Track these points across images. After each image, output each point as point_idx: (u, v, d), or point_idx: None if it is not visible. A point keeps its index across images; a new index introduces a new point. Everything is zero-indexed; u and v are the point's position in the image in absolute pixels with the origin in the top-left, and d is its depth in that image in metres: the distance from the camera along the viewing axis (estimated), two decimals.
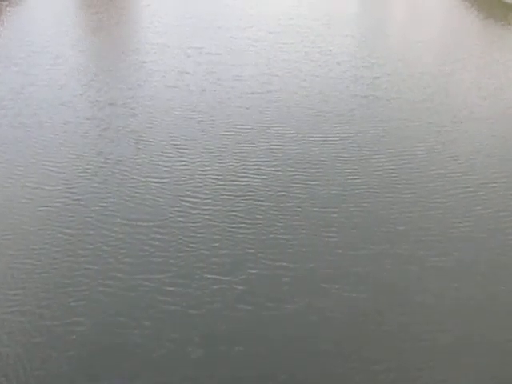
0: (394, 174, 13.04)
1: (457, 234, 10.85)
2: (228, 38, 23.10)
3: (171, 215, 11.37)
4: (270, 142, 14.65)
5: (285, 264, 9.90)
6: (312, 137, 15.00)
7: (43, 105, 16.77)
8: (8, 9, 30.01)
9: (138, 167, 13.25)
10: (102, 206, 11.65)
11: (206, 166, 13.37)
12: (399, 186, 12.57)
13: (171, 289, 9.22)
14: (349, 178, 12.85)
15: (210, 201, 11.92)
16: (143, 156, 13.80)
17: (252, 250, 10.29)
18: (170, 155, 13.87)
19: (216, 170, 13.17)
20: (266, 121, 15.76)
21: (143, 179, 12.73)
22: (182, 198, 12.01)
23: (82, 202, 11.81)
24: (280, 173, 13.05)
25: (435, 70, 19.87)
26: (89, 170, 13.05)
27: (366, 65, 20.08)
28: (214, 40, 22.78)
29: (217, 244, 10.49)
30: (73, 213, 11.42)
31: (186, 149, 14.20)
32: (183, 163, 13.53)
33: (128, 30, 25.64)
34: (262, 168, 13.25)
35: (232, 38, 23.25)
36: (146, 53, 21.50)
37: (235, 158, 13.87)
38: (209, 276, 9.52)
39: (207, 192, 12.26)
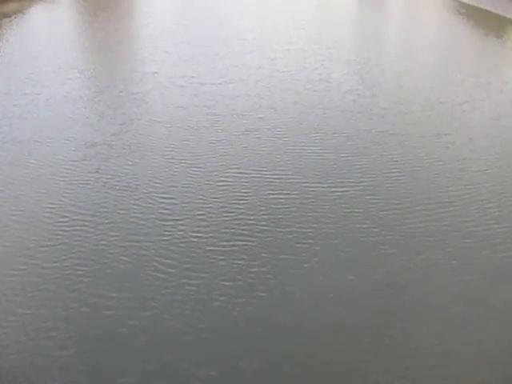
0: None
1: None
2: (226, 66, 21.44)
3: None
4: (270, 189, 12.59)
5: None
6: (318, 182, 12.90)
7: (17, 143, 14.98)
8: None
9: (121, 212, 11.44)
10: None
11: (198, 212, 11.43)
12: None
13: None
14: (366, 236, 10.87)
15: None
16: (125, 201, 12.06)
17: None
18: (158, 203, 11.96)
19: (204, 222, 11.14)
20: (264, 164, 13.61)
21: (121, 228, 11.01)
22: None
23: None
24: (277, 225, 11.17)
25: (445, 98, 18.37)
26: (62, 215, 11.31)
27: (372, 93, 18.46)
28: (211, 68, 21.10)
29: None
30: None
31: (173, 198, 12.28)
32: (172, 212, 11.60)
33: (123, 55, 24.25)
34: (258, 225, 11.27)
35: (230, 65, 21.48)
36: (137, 83, 19.86)
37: (230, 204, 11.92)
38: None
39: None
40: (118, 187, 12.66)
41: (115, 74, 20.96)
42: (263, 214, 11.57)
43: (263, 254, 10.36)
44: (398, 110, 17.09)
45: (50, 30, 30.02)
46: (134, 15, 34.02)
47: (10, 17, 32.96)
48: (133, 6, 37.63)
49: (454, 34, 27.99)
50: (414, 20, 31.76)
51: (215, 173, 13.24)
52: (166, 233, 10.96)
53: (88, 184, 12.82)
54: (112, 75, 20.90)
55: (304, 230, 11.05)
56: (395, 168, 13.44)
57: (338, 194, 12.30)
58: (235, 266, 10.04)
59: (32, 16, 34.45)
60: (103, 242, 10.74)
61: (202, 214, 11.55)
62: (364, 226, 11.18)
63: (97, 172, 13.33)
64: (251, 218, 11.47)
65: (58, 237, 10.93)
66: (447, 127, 15.76)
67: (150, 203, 12.04)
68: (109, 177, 13.11)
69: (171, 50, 24.07)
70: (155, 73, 20.70)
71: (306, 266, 10.06)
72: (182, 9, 34.39)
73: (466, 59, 23.25)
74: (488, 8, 32.22)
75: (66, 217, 11.50)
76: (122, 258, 10.28)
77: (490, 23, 30.16)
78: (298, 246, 10.63)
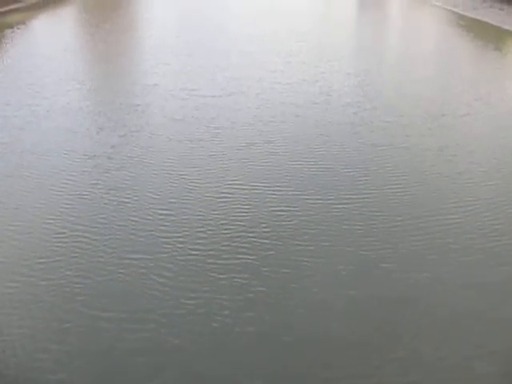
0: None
1: None
2: (226, 78, 21.37)
3: None
4: (270, 203, 12.36)
5: None
6: (318, 196, 12.65)
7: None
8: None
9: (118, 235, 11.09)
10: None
11: (198, 227, 11.09)
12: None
13: None
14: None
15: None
16: (123, 216, 11.68)
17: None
18: (157, 217, 11.58)
19: (203, 237, 10.86)
20: (265, 178, 13.40)
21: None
22: None
23: None
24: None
25: (446, 110, 18.24)
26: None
27: (373, 106, 18.29)
28: (211, 81, 20.99)
29: None
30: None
31: (173, 213, 11.91)
32: (171, 227, 11.29)
33: (124, 66, 24.25)
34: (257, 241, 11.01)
35: (231, 77, 21.39)
36: (137, 95, 19.73)
37: (230, 219, 11.62)
38: None
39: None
40: (116, 201, 12.48)
41: (116, 86, 20.91)
42: (264, 229, 11.37)
43: (263, 271, 10.15)
44: (399, 122, 16.96)
45: (52, 41, 30.11)
46: (135, 27, 34.16)
47: (12, 28, 33.10)
48: (135, 20, 37.80)
49: (454, 45, 28.01)
50: (414, 31, 31.83)
51: (215, 186, 13.05)
52: (165, 248, 10.77)
53: (86, 197, 12.64)
54: (113, 87, 20.84)
55: (305, 246, 10.83)
56: (397, 182, 13.27)
57: (339, 208, 12.10)
58: (235, 282, 9.83)
59: (34, 27, 34.61)
60: (100, 258, 10.51)
61: (202, 229, 11.37)
62: (365, 241, 10.98)
63: (96, 185, 13.18)
64: (251, 233, 11.25)
65: (55, 251, 10.70)
66: (449, 140, 15.62)
67: (149, 217, 11.85)
68: (108, 190, 12.93)
69: (172, 62, 24.05)
70: (156, 85, 20.63)
71: (306, 282, 9.86)
72: (183, 21, 34.52)
73: (467, 71, 23.21)
74: (486, 20, 32.33)
75: (63, 232, 11.31)
76: (120, 274, 10.06)
77: (489, 35, 30.20)
78: (299, 262, 10.40)
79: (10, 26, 33.36)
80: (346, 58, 24.96)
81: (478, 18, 33.27)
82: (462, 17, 33.85)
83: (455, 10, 36.16)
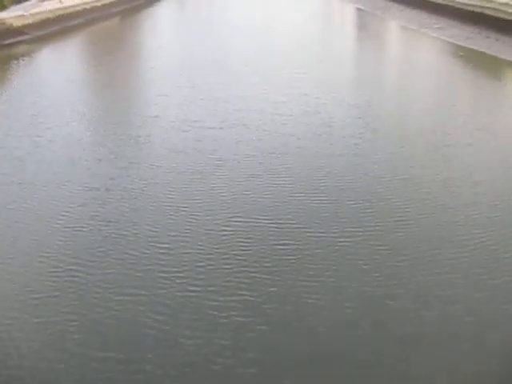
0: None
1: None
2: (228, 110, 21.28)
3: None
4: (272, 237, 11.99)
5: None
6: (321, 230, 12.27)
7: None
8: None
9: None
10: None
11: (198, 262, 10.69)
12: None
13: None
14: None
15: None
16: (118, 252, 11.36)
17: None
18: (155, 252, 11.22)
19: (203, 273, 10.46)
20: (266, 211, 13.06)
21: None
22: None
23: None
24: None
25: (448, 140, 18.06)
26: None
27: (375, 137, 18.12)
28: (213, 112, 20.88)
29: None
30: None
31: (171, 247, 11.51)
32: (170, 263, 10.83)
33: (126, 98, 24.28)
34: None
35: (232, 109, 21.20)
36: (138, 126, 19.51)
37: (231, 253, 11.21)
38: None
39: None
40: (114, 234, 12.15)
41: (117, 117, 20.86)
42: (265, 264, 11.00)
43: (265, 308, 9.75)
44: (402, 153, 16.74)
45: (56, 73, 30.41)
46: (138, 60, 34.54)
47: (17, 59, 33.52)
48: (137, 52, 38.31)
49: (454, 76, 28.14)
50: (414, 62, 32.05)
51: (216, 220, 12.74)
52: (163, 284, 10.38)
53: (83, 230, 12.35)
54: (114, 118, 20.80)
55: (308, 282, 10.44)
56: (401, 215, 12.94)
57: (343, 242, 11.73)
58: (235, 321, 9.42)
59: (39, 59, 35.03)
60: (96, 294, 10.16)
61: (201, 263, 11.01)
62: (371, 277, 10.59)
63: (94, 218, 12.90)
64: (253, 268, 10.89)
65: (50, 285, 10.34)
66: (452, 171, 15.37)
67: (147, 252, 11.50)
68: (105, 223, 12.63)
69: (174, 93, 24.08)
70: (157, 116, 20.55)
71: (309, 322, 9.45)
72: (186, 54, 34.92)
73: (468, 101, 23.18)
74: (482, 50, 32.69)
75: (59, 266, 10.98)
76: (116, 311, 9.67)
77: (487, 65, 30.41)
78: (302, 299, 9.99)
79: (16, 58, 33.76)
80: (346, 89, 25.01)
81: (474, 47, 33.66)
82: (459, 47, 34.25)
83: (451, 40, 36.74)
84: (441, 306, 9.77)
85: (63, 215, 13.02)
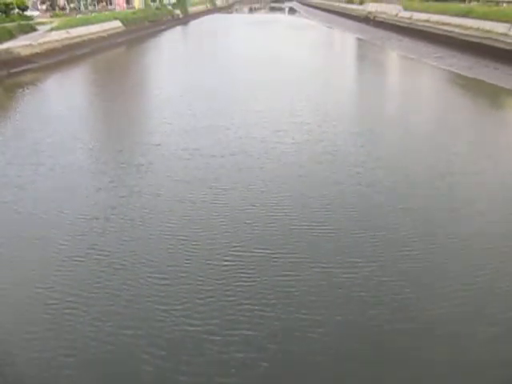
0: None
1: None
2: (230, 138, 21.16)
3: None
4: (274, 269, 11.56)
5: None
6: (325, 261, 11.84)
7: None
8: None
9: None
10: None
11: (198, 294, 10.24)
12: None
13: None
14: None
15: None
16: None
17: None
18: (155, 284, 10.78)
19: (204, 306, 10.03)
20: (269, 242, 12.67)
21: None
22: None
23: None
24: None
25: (453, 169, 17.79)
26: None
27: (378, 166, 17.82)
28: (215, 141, 20.74)
29: None
30: None
31: (171, 279, 11.07)
32: (169, 295, 10.40)
33: (128, 126, 24.30)
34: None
35: (234, 137, 21.06)
36: (140, 154, 19.32)
37: (232, 286, 10.78)
38: None
39: None
40: (113, 266, 11.83)
41: (119, 146, 20.75)
42: (268, 297, 10.62)
43: (267, 345, 9.34)
44: (407, 182, 16.46)
45: (60, 101, 30.59)
46: (142, 88, 34.84)
47: (23, 87, 33.86)
48: (142, 80, 38.71)
49: (456, 104, 28.18)
50: (415, 90, 32.21)
51: (216, 251, 12.41)
52: (161, 321, 9.98)
53: (83, 261, 12.03)
54: (116, 146, 20.69)
55: (312, 316, 10.03)
56: (407, 245, 12.58)
57: (346, 274, 11.36)
58: (236, 360, 8.99)
59: (44, 87, 35.37)
60: (93, 328, 9.76)
61: (201, 296, 10.64)
62: (376, 311, 10.19)
63: (92, 248, 12.60)
64: (255, 301, 10.51)
65: (45, 319, 9.98)
66: (458, 200, 15.07)
67: (146, 285, 11.14)
68: (105, 254, 12.33)
69: (176, 121, 24.08)
70: (159, 145, 20.46)
71: (315, 358, 9.02)
72: (189, 81, 35.24)
73: (471, 130, 23.09)
74: (482, 78, 32.91)
75: (56, 298, 10.62)
76: (111, 348, 9.26)
77: (487, 93, 30.54)
78: (305, 335, 9.57)
79: (21, 86, 34.12)
80: (348, 118, 24.95)
81: (473, 76, 33.87)
82: (459, 76, 34.45)
83: (451, 69, 36.99)
84: (451, 341, 9.33)
85: (61, 244, 12.73)
